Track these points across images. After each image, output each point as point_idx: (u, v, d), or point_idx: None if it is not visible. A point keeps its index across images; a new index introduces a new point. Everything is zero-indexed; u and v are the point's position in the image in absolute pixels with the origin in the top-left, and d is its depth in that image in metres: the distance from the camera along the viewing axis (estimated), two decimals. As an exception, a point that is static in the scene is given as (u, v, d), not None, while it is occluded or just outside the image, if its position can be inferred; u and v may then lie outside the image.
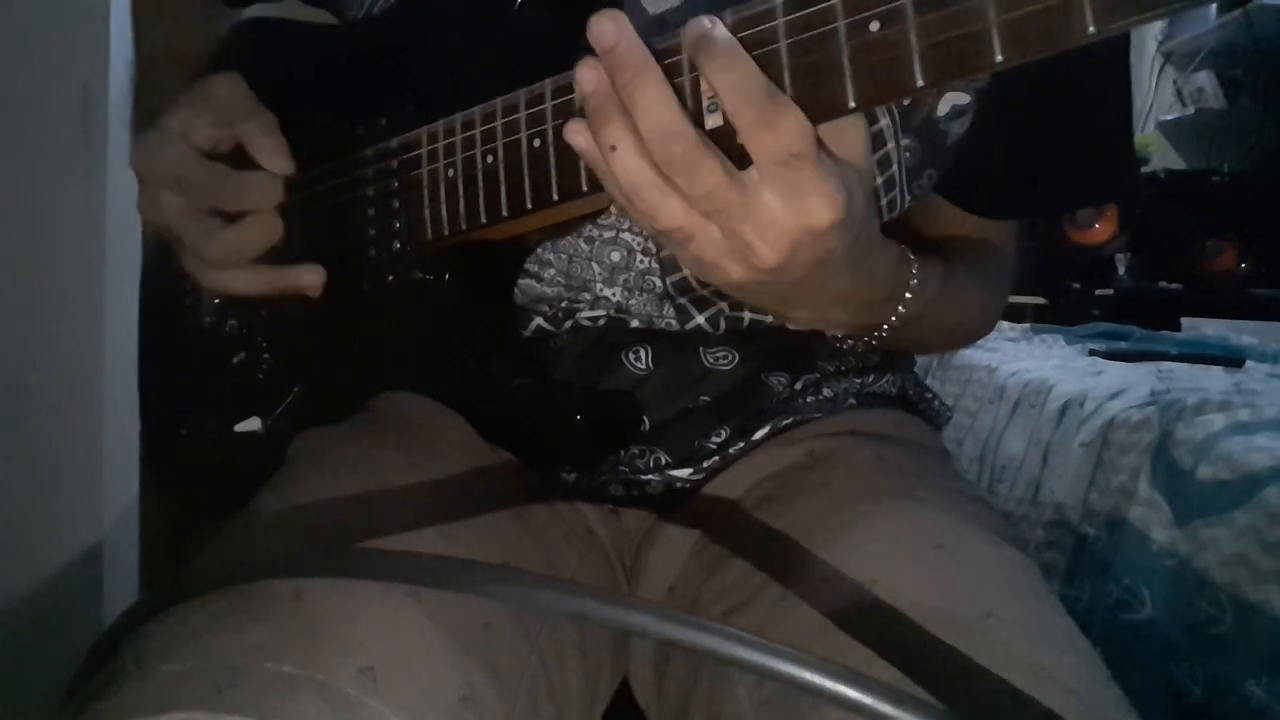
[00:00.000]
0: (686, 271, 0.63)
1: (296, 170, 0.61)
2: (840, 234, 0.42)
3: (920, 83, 0.38)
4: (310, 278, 0.61)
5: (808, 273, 0.44)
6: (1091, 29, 0.34)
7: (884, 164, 0.61)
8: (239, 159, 0.60)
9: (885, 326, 0.56)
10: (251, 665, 0.38)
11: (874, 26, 0.38)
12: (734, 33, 0.40)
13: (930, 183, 0.65)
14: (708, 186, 0.40)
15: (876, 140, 0.59)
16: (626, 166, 0.41)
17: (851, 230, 0.43)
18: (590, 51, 0.41)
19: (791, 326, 0.62)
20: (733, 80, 0.39)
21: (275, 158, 0.59)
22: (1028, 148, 0.66)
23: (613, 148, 0.41)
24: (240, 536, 0.51)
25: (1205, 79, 2.46)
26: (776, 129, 0.39)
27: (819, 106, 0.40)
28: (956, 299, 0.62)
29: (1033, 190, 0.69)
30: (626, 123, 0.41)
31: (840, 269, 0.46)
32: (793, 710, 0.44)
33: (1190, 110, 2.51)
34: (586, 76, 0.41)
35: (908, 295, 0.55)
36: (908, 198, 0.63)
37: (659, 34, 0.43)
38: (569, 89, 0.48)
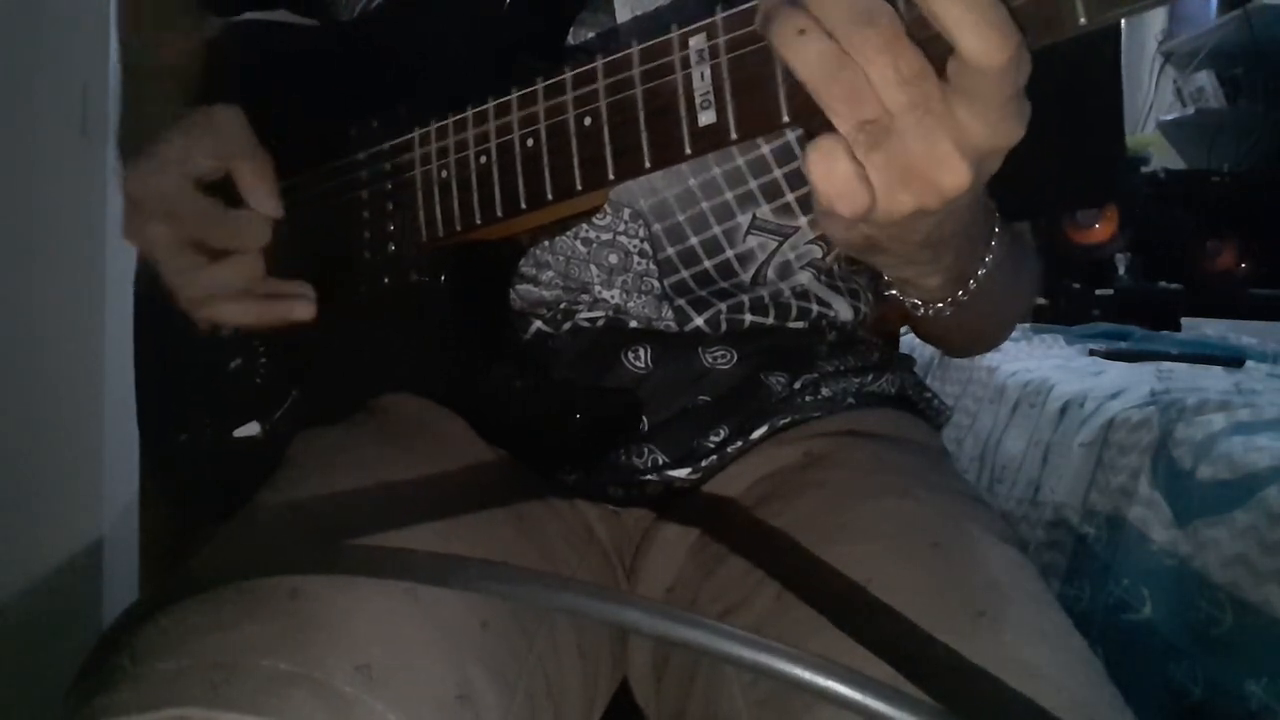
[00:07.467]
0: (708, 264, 0.63)
1: (288, 172, 0.60)
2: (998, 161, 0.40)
3: None
4: (301, 310, 0.60)
5: (971, 199, 0.41)
6: (1083, 20, 0.34)
7: None
8: (226, 191, 0.59)
9: (971, 282, 0.53)
10: (247, 662, 0.38)
11: None
12: (725, 33, 0.40)
13: None
14: (916, 66, 0.36)
15: None
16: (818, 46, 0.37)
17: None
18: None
19: (889, 276, 0.55)
20: None
21: (266, 201, 0.58)
22: (1017, 149, 0.66)
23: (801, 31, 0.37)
24: (239, 535, 0.51)
25: (1205, 79, 2.45)
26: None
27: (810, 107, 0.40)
28: (1019, 266, 0.59)
29: (1021, 193, 0.69)
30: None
31: (973, 201, 0.43)
32: (787, 708, 0.44)
33: (1190, 110, 2.50)
34: None
35: (993, 243, 0.53)
36: None
37: (648, 34, 0.43)
38: (560, 89, 0.48)
